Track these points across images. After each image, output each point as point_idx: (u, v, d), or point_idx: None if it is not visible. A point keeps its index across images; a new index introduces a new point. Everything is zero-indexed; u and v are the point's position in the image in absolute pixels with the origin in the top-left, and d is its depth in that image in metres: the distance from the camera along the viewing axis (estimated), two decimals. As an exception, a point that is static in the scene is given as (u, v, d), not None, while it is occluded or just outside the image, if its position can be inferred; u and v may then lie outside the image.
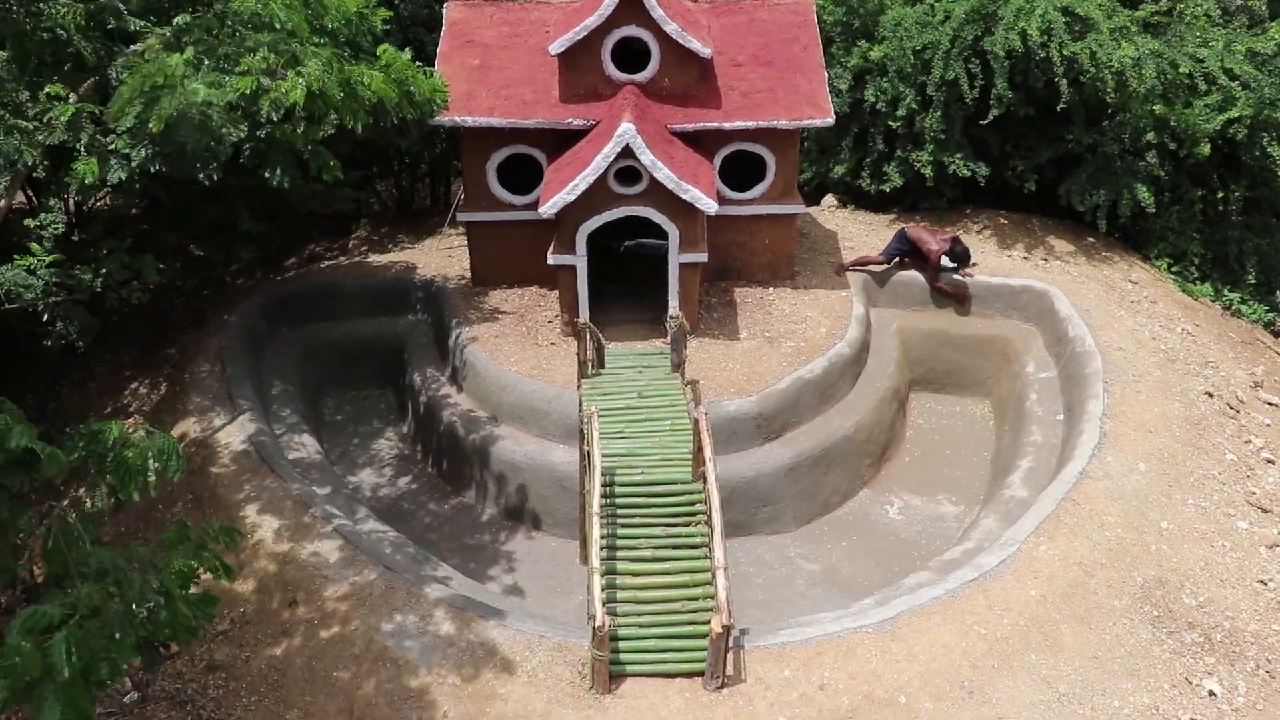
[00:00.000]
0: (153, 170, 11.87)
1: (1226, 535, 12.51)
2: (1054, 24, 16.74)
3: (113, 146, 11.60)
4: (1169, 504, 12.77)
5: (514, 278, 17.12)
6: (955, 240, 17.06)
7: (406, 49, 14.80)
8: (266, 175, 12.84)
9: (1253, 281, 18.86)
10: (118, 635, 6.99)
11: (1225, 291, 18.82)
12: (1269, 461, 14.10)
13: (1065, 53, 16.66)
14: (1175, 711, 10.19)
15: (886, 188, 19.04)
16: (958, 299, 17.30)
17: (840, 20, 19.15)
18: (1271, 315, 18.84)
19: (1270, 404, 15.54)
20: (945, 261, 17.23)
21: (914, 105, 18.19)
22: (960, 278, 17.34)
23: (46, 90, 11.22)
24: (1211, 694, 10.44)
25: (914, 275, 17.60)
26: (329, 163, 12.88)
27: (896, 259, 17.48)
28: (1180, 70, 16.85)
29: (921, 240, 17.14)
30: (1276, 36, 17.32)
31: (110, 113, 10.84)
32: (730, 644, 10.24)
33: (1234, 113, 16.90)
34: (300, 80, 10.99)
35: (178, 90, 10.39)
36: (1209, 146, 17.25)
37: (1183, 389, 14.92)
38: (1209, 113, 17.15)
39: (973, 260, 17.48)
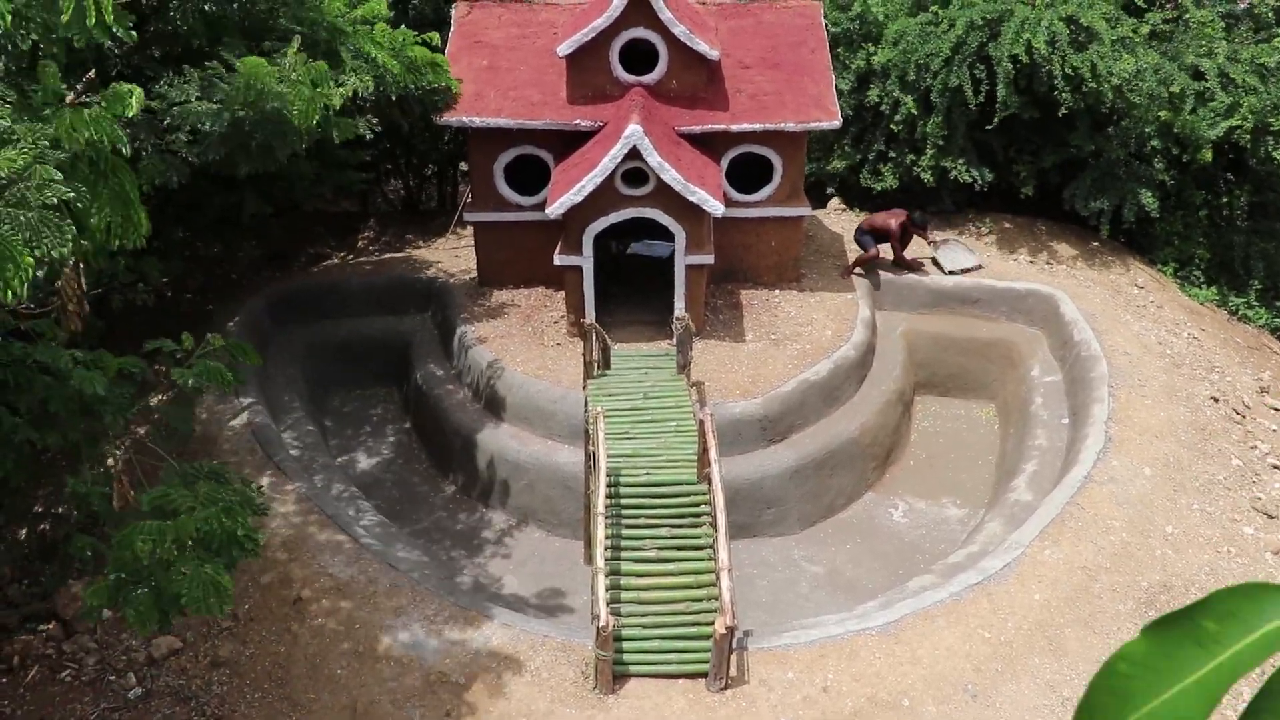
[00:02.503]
0: (210, 169, 12.06)
1: (1232, 540, 12.49)
2: (1058, 35, 16.73)
3: (174, 148, 11.65)
4: (1174, 509, 12.75)
5: (520, 278, 17.13)
6: (915, 216, 17.23)
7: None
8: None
9: (1259, 286, 18.83)
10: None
11: (1231, 296, 18.79)
12: (1275, 467, 14.08)
13: (1068, 68, 16.65)
14: (1179, 717, 10.16)
15: (877, 186, 19.05)
16: (911, 267, 17.64)
17: (845, 27, 19.17)
18: (1278, 320, 18.80)
19: (1276, 409, 15.51)
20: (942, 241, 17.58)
21: (913, 110, 18.19)
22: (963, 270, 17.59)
23: (113, 88, 11.35)
24: (1216, 699, 10.41)
25: (918, 279, 17.61)
26: (345, 121, 13.03)
27: (875, 247, 17.54)
28: (1173, 89, 16.86)
29: (878, 224, 17.34)
30: None
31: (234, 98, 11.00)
32: (734, 645, 10.24)
33: (1236, 120, 16.90)
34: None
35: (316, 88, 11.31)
36: (1211, 152, 17.24)
37: (1188, 394, 14.90)
38: (1212, 118, 17.14)
39: (976, 265, 17.56)
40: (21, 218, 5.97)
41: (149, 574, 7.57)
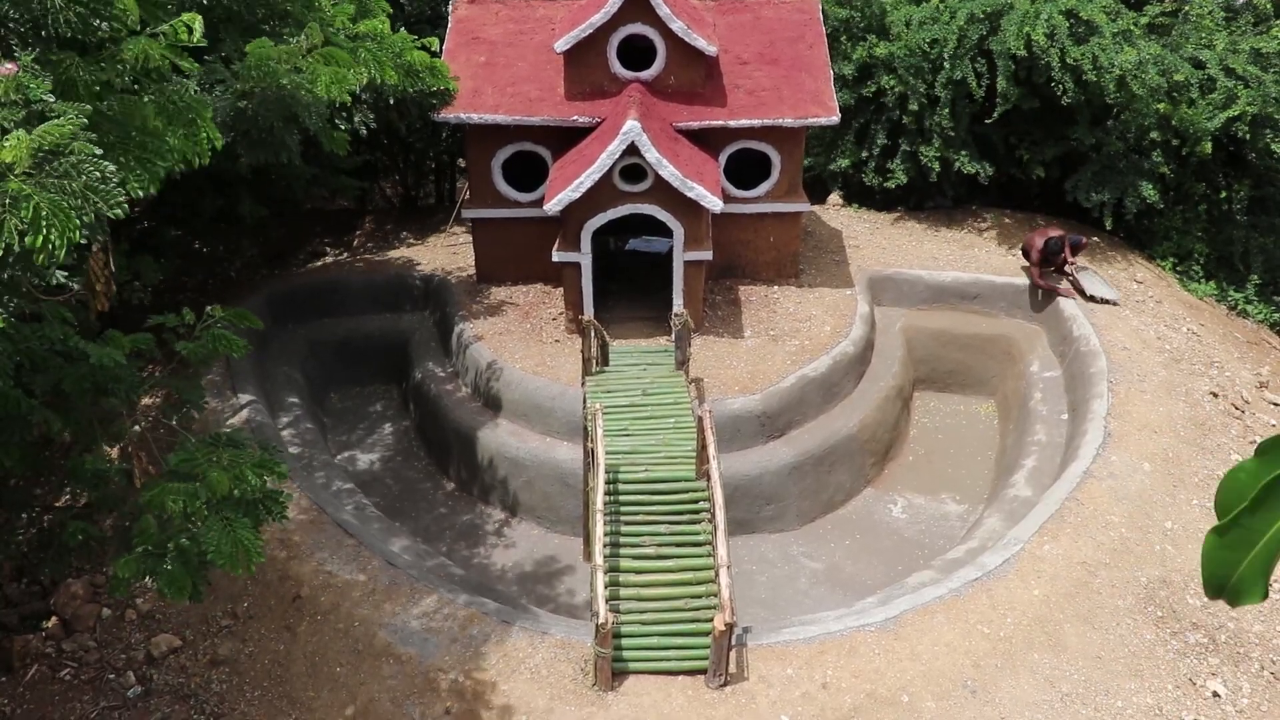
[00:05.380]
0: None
1: (1231, 536, 12.47)
2: (1058, 28, 16.70)
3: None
4: (1173, 504, 12.75)
5: (518, 275, 17.13)
6: (1053, 238, 16.83)
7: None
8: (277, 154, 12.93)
9: (1258, 281, 18.83)
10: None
11: (1230, 291, 18.78)
12: (1274, 462, 14.06)
13: (1069, 59, 16.63)
14: (1179, 712, 10.18)
15: (891, 184, 18.97)
16: (1052, 291, 17.11)
17: (846, 19, 19.13)
18: (1277, 315, 18.80)
19: (1275, 404, 15.50)
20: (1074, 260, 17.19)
21: (923, 100, 18.13)
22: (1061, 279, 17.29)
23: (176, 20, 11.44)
24: (1215, 695, 10.42)
25: (917, 274, 17.61)
26: (334, 134, 13.01)
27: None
28: (1176, 77, 16.86)
29: (1031, 244, 17.08)
30: (1278, 34, 17.30)
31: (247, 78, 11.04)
32: (733, 642, 10.24)
33: (1235, 110, 16.89)
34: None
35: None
36: (1210, 144, 17.23)
37: (1187, 389, 14.90)
38: (1211, 110, 17.14)
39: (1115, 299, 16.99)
40: (68, 186, 6.21)
41: (174, 543, 7.69)
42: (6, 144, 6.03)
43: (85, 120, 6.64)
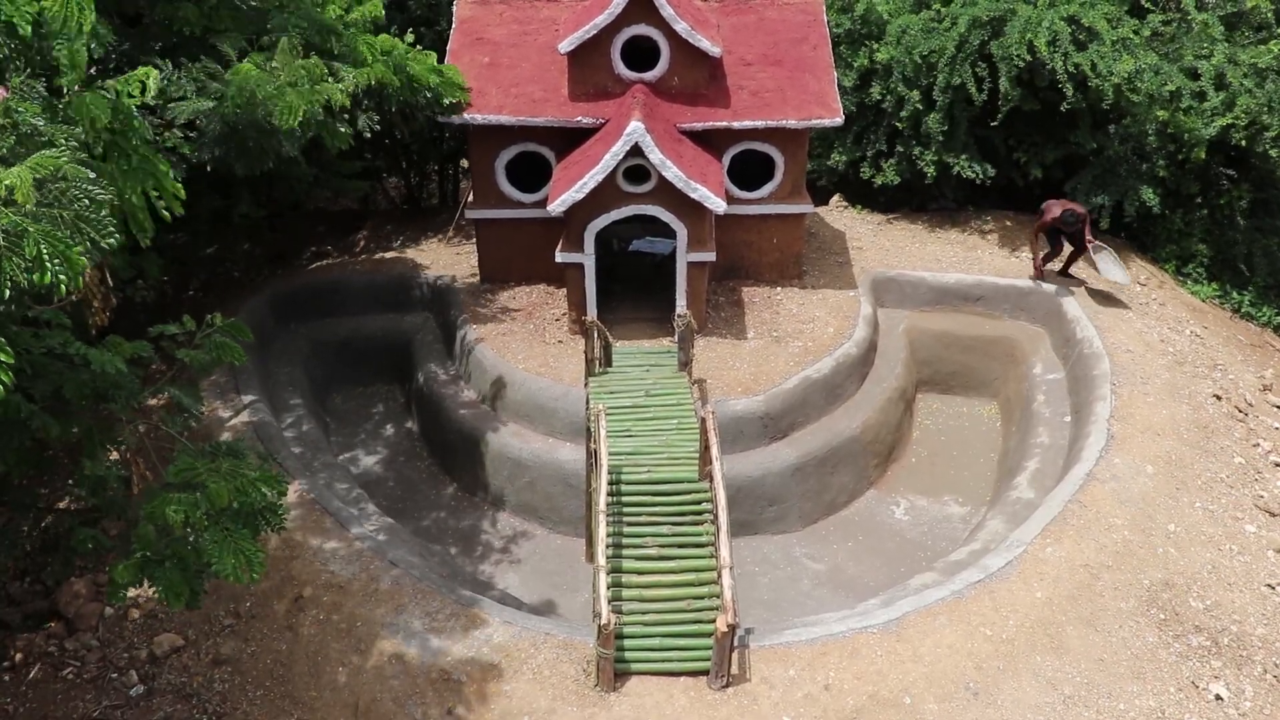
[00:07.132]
0: (208, 167, 12.01)
1: (1234, 539, 12.47)
2: (1059, 34, 16.71)
3: (170, 144, 11.62)
4: (1176, 507, 12.74)
5: (522, 275, 17.14)
6: (1069, 210, 16.46)
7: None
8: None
9: (1260, 283, 18.81)
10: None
11: (1234, 294, 18.77)
12: (1277, 465, 14.06)
13: (1070, 65, 16.63)
14: (1181, 715, 10.17)
15: (879, 180, 18.99)
16: (1037, 270, 17.15)
17: (846, 28, 19.16)
18: (1280, 318, 18.80)
19: (1279, 407, 15.48)
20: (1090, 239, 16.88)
21: (918, 107, 18.16)
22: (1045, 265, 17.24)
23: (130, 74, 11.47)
24: (1218, 698, 10.41)
25: (920, 276, 17.61)
26: (338, 131, 13.01)
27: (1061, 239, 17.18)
28: (1168, 88, 16.87)
29: (1048, 209, 16.76)
30: (1274, 49, 17.31)
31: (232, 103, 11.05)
32: (735, 643, 10.24)
33: (1229, 119, 16.89)
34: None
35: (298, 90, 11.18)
36: (1204, 151, 17.23)
37: (1191, 391, 14.88)
38: (1208, 116, 17.14)
39: (1127, 281, 16.90)
40: (60, 216, 6.15)
41: (172, 549, 7.68)
42: (10, 173, 5.91)
43: (77, 143, 6.55)
